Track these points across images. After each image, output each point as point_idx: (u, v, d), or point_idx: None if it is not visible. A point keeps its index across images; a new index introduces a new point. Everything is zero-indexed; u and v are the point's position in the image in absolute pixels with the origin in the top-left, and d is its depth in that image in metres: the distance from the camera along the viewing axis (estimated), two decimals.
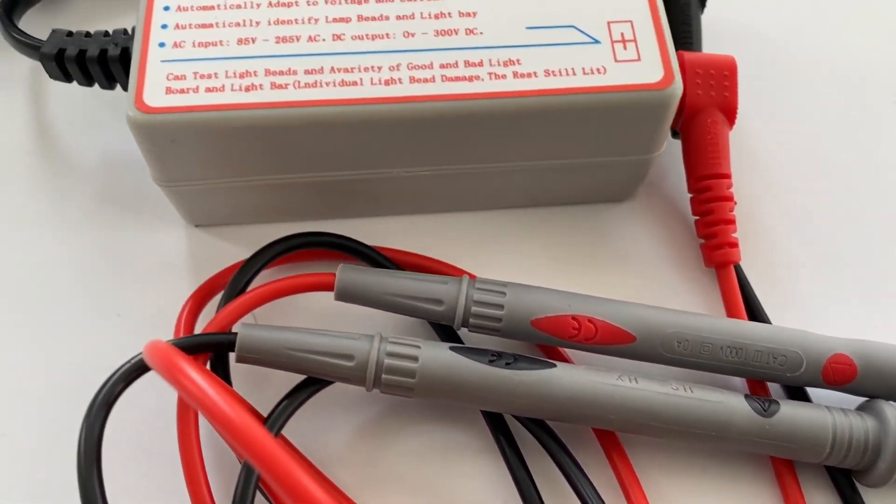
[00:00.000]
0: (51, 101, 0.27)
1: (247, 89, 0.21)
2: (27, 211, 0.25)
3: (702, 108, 0.23)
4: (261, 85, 0.21)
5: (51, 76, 0.25)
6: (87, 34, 0.24)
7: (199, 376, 0.15)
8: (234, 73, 0.21)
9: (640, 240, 0.25)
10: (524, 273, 0.24)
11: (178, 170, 0.22)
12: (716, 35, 0.27)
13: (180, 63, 0.21)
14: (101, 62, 0.24)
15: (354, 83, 0.21)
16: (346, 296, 0.22)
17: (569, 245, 0.25)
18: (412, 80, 0.21)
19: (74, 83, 0.25)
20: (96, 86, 0.25)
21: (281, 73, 0.21)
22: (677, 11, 0.25)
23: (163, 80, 0.21)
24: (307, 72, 0.21)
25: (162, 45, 0.21)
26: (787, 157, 0.26)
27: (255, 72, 0.21)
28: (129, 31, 0.24)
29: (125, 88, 0.25)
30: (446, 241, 0.25)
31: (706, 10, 0.26)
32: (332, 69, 0.21)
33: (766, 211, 0.25)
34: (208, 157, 0.22)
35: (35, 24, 0.28)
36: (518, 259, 0.25)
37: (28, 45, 0.25)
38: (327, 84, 0.21)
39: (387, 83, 0.21)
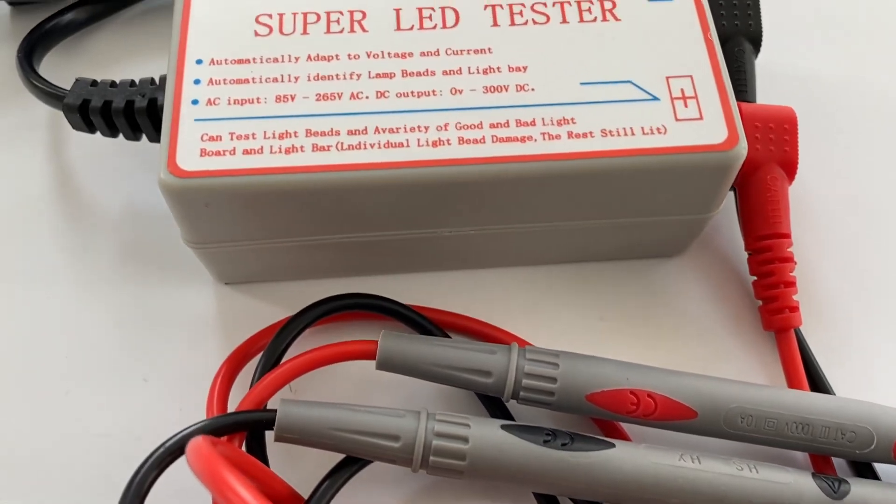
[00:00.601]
0: (71, 147, 0.26)
1: (287, 151, 0.19)
2: (48, 266, 0.24)
3: (761, 164, 0.22)
4: (301, 147, 0.20)
5: (74, 127, 0.23)
6: (113, 84, 0.23)
7: (245, 492, 0.14)
8: (274, 134, 0.20)
9: (692, 298, 0.24)
10: (572, 334, 0.23)
11: (210, 232, 0.21)
12: (771, 80, 0.26)
13: (215, 122, 0.20)
14: (128, 114, 0.23)
15: (400, 144, 0.20)
16: (388, 365, 0.20)
17: (618, 303, 0.24)
18: (461, 140, 0.20)
19: (98, 133, 0.24)
20: (120, 136, 0.24)
21: (323, 133, 0.20)
22: (731, 58, 0.24)
23: (197, 140, 0.20)
24: (350, 132, 0.20)
25: (195, 102, 0.20)
26: (849, 212, 0.25)
27: (295, 132, 0.20)
28: (157, 81, 0.23)
29: (151, 140, 0.23)
30: (490, 298, 0.24)
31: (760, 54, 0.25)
32: (377, 129, 0.20)
33: (827, 270, 0.24)
34: (244, 220, 0.20)
35: (56, 66, 0.27)
36: (565, 318, 0.23)
37: (50, 95, 0.24)
38: (372, 145, 0.20)
39: (434, 144, 0.20)
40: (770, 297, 0.22)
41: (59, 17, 0.27)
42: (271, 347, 0.21)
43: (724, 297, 0.24)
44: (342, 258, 0.23)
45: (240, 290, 0.24)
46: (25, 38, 0.26)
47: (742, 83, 0.24)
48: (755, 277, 0.23)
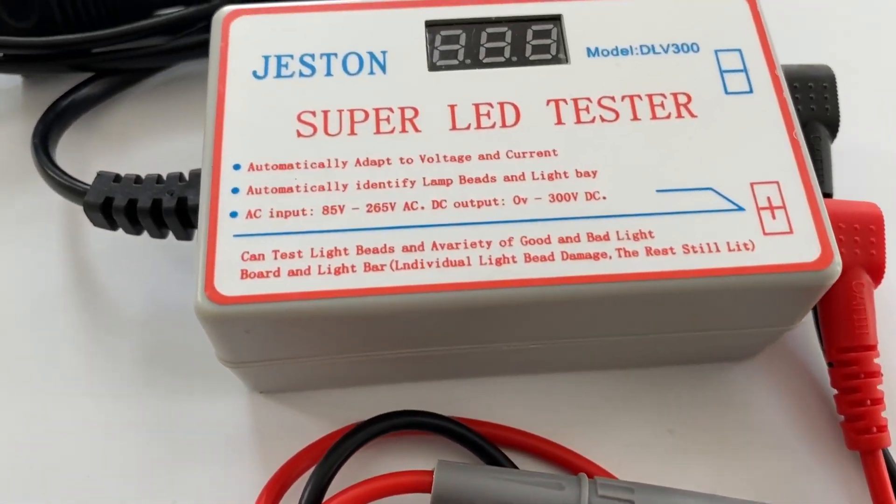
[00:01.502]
0: (90, 236, 0.24)
1: (336, 272, 0.18)
2: (65, 373, 0.22)
3: (846, 269, 0.20)
4: (352, 266, 0.18)
5: (94, 224, 0.22)
6: (138, 179, 0.21)
7: None
8: (321, 251, 0.18)
9: (766, 408, 0.22)
10: (640, 448, 0.21)
11: (249, 353, 0.19)
12: (842, 159, 0.24)
13: (257, 238, 0.18)
14: (154, 214, 0.21)
15: (461, 262, 0.18)
16: (444, 501, 0.19)
17: (687, 413, 0.22)
18: (527, 257, 0.18)
19: (119, 231, 0.22)
20: (145, 234, 0.22)
21: (375, 250, 0.18)
22: (807, 145, 0.22)
23: (237, 260, 0.18)
24: (405, 248, 0.18)
25: (234, 214, 0.18)
26: None
27: (345, 249, 0.18)
28: (186, 177, 0.21)
29: (179, 238, 0.22)
30: (550, 407, 0.22)
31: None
32: (434, 245, 0.18)
33: None
34: (287, 343, 0.19)
35: (73, 145, 0.25)
36: (632, 431, 0.22)
37: (70, 189, 0.22)
38: (429, 264, 0.18)
39: (498, 262, 0.18)
40: (855, 415, 0.21)
41: (73, 93, 0.26)
42: (317, 475, 0.19)
43: (801, 408, 0.22)
44: (390, 371, 0.21)
45: (276, 400, 0.22)
46: (40, 121, 0.24)
47: (819, 173, 0.22)
48: (837, 391, 0.21)
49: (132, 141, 0.26)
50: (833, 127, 0.23)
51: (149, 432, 0.22)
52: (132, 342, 0.23)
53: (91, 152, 0.26)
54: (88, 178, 0.24)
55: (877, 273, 0.21)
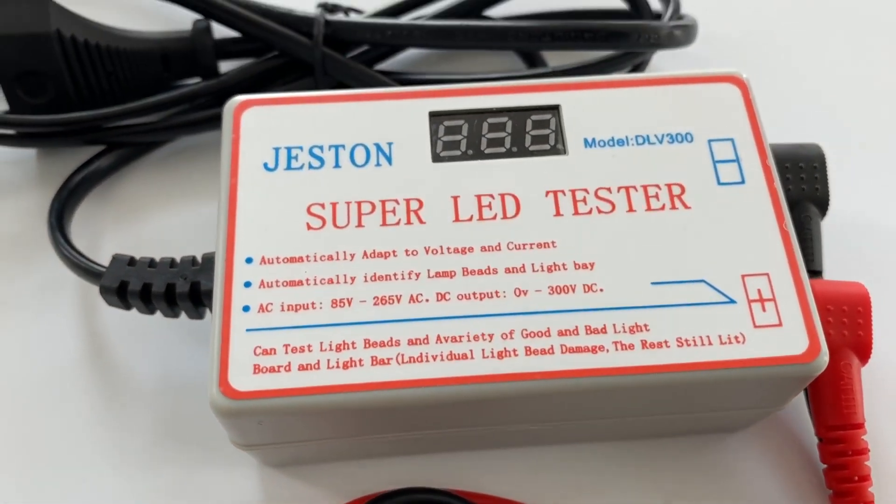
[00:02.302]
0: (103, 311, 0.25)
1: (345, 366, 0.18)
2: (78, 446, 0.23)
3: (834, 350, 0.21)
4: (360, 360, 0.18)
5: (109, 304, 0.22)
6: (152, 263, 0.22)
7: None
8: (330, 345, 0.19)
9: (759, 480, 0.23)
10: None
11: (260, 439, 0.20)
12: (832, 232, 0.25)
13: (269, 333, 0.19)
14: (168, 298, 0.21)
15: (464, 356, 0.19)
16: None
17: (682, 485, 0.22)
18: (528, 351, 0.19)
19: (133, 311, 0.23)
20: (158, 314, 0.23)
21: (382, 344, 0.19)
22: (797, 225, 0.23)
23: (250, 355, 0.18)
24: (411, 342, 0.19)
25: (246, 309, 0.19)
26: None
27: (353, 343, 0.19)
28: (198, 261, 0.22)
29: (191, 317, 0.22)
30: (550, 478, 0.23)
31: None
32: (439, 338, 0.19)
33: (890, 431, 0.23)
34: (297, 431, 0.19)
35: (87, 218, 0.26)
36: (630, 501, 0.22)
37: (86, 271, 0.23)
38: (434, 357, 0.19)
39: (500, 356, 0.19)
40: (843, 490, 0.21)
41: (85, 168, 0.26)
42: None
43: (793, 480, 0.23)
44: (396, 447, 0.22)
45: (286, 473, 0.23)
46: (55, 198, 0.25)
47: (809, 252, 0.23)
48: (826, 466, 0.22)
49: (143, 211, 0.27)
50: (823, 205, 0.24)
51: (161, 501, 0.22)
52: (145, 415, 0.23)
53: (104, 223, 0.26)
54: (102, 250, 0.25)
55: (864, 353, 0.22)
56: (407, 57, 0.29)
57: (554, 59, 0.29)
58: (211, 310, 0.20)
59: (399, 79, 0.27)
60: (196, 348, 0.24)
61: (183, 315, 0.22)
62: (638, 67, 0.27)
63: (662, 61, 0.30)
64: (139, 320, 0.24)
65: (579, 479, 0.23)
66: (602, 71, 0.26)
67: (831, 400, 0.21)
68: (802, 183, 0.23)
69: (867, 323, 0.22)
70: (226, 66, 0.28)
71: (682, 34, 0.26)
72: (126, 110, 0.26)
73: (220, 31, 0.27)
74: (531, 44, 0.26)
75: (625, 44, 0.25)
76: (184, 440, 0.23)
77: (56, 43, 0.25)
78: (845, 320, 0.22)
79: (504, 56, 0.30)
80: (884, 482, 0.22)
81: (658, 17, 0.27)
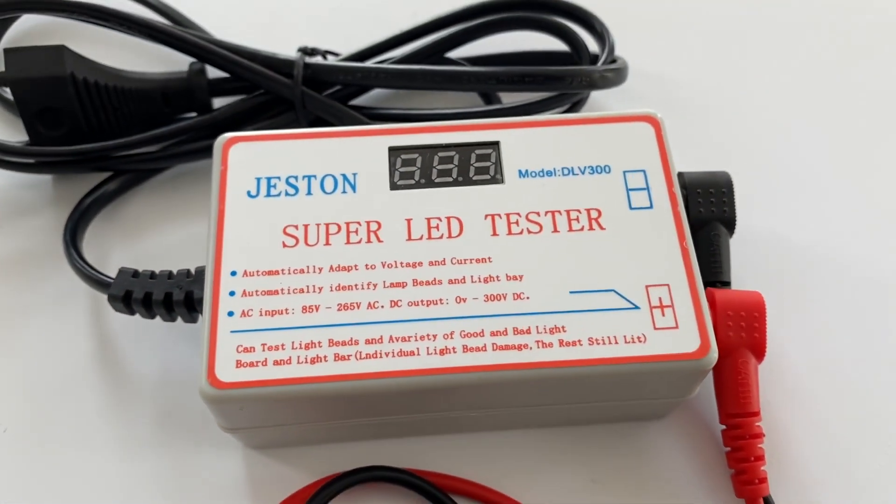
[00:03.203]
0: (110, 317, 0.29)
1: (312, 361, 0.22)
2: (90, 432, 0.27)
3: (732, 349, 0.25)
4: (325, 357, 0.22)
5: (115, 310, 0.26)
6: (153, 275, 0.26)
7: None
8: (300, 344, 0.22)
9: (674, 462, 0.26)
10: (568, 496, 0.26)
11: (243, 422, 0.24)
12: (744, 246, 0.28)
13: (249, 334, 0.22)
14: (166, 304, 0.25)
15: (412, 353, 0.22)
16: None
17: (607, 465, 0.26)
18: (465, 348, 0.22)
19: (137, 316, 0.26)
20: (158, 319, 0.26)
21: (343, 343, 0.22)
22: (707, 242, 0.27)
23: (233, 352, 0.22)
24: (368, 341, 0.22)
25: (231, 314, 0.23)
26: (819, 377, 0.28)
27: (319, 342, 0.22)
28: (192, 273, 0.25)
29: (186, 321, 0.26)
30: (492, 459, 0.26)
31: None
32: (391, 338, 0.22)
33: (796, 437, 0.27)
34: (273, 415, 0.23)
35: (97, 236, 0.30)
36: (559, 480, 0.26)
37: (96, 282, 0.26)
38: (386, 354, 0.22)
39: (441, 353, 0.22)
40: (741, 470, 0.25)
41: (94, 192, 0.30)
42: None
43: (702, 461, 0.26)
44: (359, 432, 0.25)
45: (267, 455, 0.26)
46: (69, 219, 0.29)
47: (717, 265, 0.27)
48: (728, 449, 0.25)
49: (145, 230, 0.31)
50: (730, 225, 0.27)
51: (159, 482, 0.26)
52: (146, 406, 0.27)
53: (111, 240, 0.30)
54: (110, 263, 0.29)
55: (759, 352, 0.25)
56: (377, 94, 0.33)
57: (507, 95, 0.32)
58: (202, 314, 0.24)
59: (369, 113, 0.31)
60: (190, 348, 0.28)
61: (179, 319, 0.26)
62: (577, 104, 0.31)
63: (602, 96, 0.34)
64: (141, 324, 0.28)
65: (518, 460, 0.26)
66: (545, 107, 0.30)
67: (731, 392, 0.25)
68: (712, 205, 0.27)
69: (762, 326, 0.25)
70: (218, 102, 0.32)
71: (613, 76, 0.30)
72: (130, 142, 0.30)
73: (213, 72, 0.31)
74: (480, 86, 0.30)
75: (561, 86, 0.29)
76: (179, 426, 0.27)
77: (70, 84, 0.29)
78: (743, 324, 0.25)
79: (463, 93, 0.34)
80: (777, 462, 0.26)
81: (595, 58, 0.31)
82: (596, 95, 0.33)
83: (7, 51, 0.29)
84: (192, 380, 0.27)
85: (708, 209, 0.27)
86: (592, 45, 0.32)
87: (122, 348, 0.28)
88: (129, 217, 0.31)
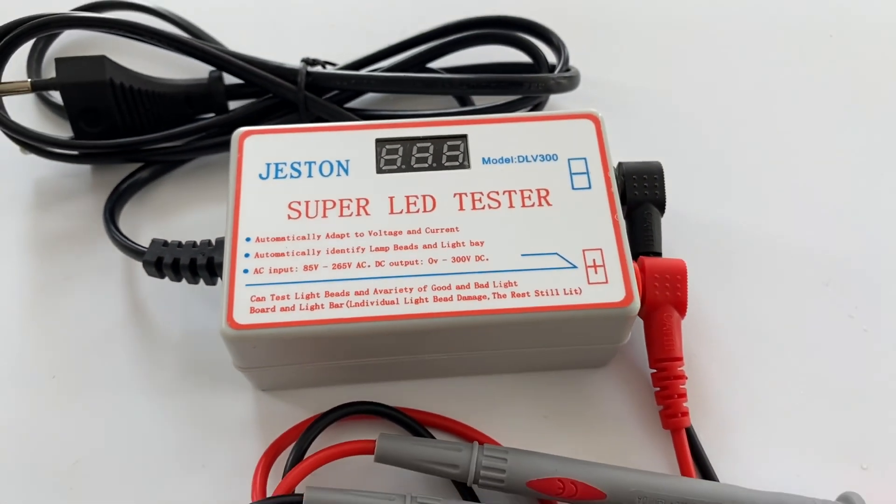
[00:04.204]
0: (141, 283, 0.34)
1: (311, 308, 0.27)
2: (125, 379, 0.32)
3: (659, 305, 0.30)
4: (322, 305, 0.27)
5: (148, 274, 0.31)
6: (179, 244, 0.31)
7: None
8: (302, 295, 0.28)
9: (614, 401, 0.31)
10: (521, 428, 0.31)
11: (255, 361, 0.29)
12: (672, 227, 0.34)
13: (260, 287, 0.28)
14: (192, 269, 0.30)
15: (392, 302, 0.27)
16: (383, 460, 0.28)
17: (556, 405, 0.31)
18: (435, 299, 0.28)
19: (166, 279, 0.32)
20: (184, 281, 0.31)
21: (337, 294, 0.28)
22: (641, 218, 0.32)
23: (247, 301, 0.27)
24: (357, 293, 0.28)
25: (245, 271, 0.28)
26: (735, 331, 0.33)
27: (317, 294, 0.28)
28: (213, 242, 0.31)
29: (208, 284, 0.31)
30: (461, 400, 0.31)
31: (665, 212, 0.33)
32: (376, 291, 0.28)
33: (714, 380, 0.32)
34: (280, 354, 0.28)
35: (132, 217, 0.35)
36: (516, 416, 0.31)
37: (132, 251, 0.32)
38: (371, 303, 0.27)
39: (416, 302, 0.27)
40: (667, 405, 0.30)
41: (128, 179, 0.36)
42: (298, 444, 0.29)
43: (636, 401, 0.31)
44: (353, 374, 0.31)
45: (274, 396, 0.32)
46: (108, 201, 0.34)
47: (649, 238, 0.32)
48: (657, 388, 0.31)
49: (171, 212, 0.36)
50: (661, 206, 0.32)
51: (184, 418, 0.31)
52: (173, 356, 0.32)
53: (143, 221, 0.36)
54: (142, 238, 0.34)
55: (681, 308, 0.30)
56: (369, 98, 0.39)
57: (478, 99, 0.38)
58: (221, 278, 0.29)
59: (362, 114, 0.37)
60: (208, 309, 0.33)
61: (201, 282, 0.31)
62: (538, 105, 0.37)
63: (559, 98, 0.39)
64: (167, 290, 0.33)
65: (481, 400, 0.32)
66: (511, 109, 0.36)
67: (658, 341, 0.30)
68: (646, 189, 0.32)
69: (683, 287, 0.30)
70: (233, 105, 0.38)
71: (566, 82, 0.35)
72: (159, 137, 0.35)
73: (229, 79, 0.37)
74: (454, 90, 0.35)
75: (521, 90, 0.35)
76: (200, 375, 0.32)
77: (109, 88, 0.35)
78: (668, 285, 0.30)
79: (442, 96, 0.39)
80: (699, 400, 0.31)
81: (553, 68, 0.36)
82: (554, 97, 0.38)
83: (58, 60, 0.34)
84: (211, 335, 0.32)
85: (642, 192, 0.32)
86: (552, 57, 0.37)
87: (151, 309, 0.33)
88: (158, 201, 0.36)
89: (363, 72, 0.37)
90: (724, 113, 0.40)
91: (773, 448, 0.31)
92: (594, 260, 0.28)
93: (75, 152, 0.35)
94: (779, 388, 0.32)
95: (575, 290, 0.28)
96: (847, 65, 0.42)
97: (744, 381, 0.32)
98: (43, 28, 0.34)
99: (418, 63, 0.38)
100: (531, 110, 0.37)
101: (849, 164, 0.38)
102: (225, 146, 0.35)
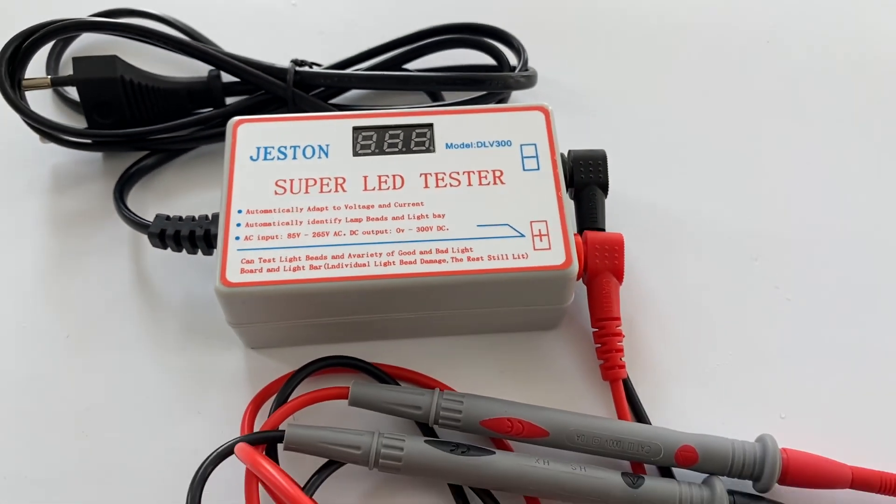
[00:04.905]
0: (146, 255, 0.38)
1: (293, 270, 0.32)
2: (131, 339, 0.36)
3: (599, 272, 0.34)
4: (303, 267, 0.32)
5: (153, 245, 0.36)
6: (180, 218, 0.35)
7: (269, 467, 0.26)
8: (286, 259, 0.32)
9: (562, 359, 0.36)
10: (480, 382, 0.35)
11: (244, 317, 0.33)
12: (619, 207, 0.38)
13: (249, 251, 0.32)
14: (191, 240, 0.35)
15: (364, 265, 0.32)
16: (356, 403, 0.32)
17: (512, 362, 0.36)
18: (401, 262, 0.32)
19: (168, 250, 0.36)
20: (184, 252, 0.36)
21: (316, 258, 0.32)
22: (586, 198, 0.36)
23: (238, 263, 0.32)
24: (333, 257, 0.32)
25: (237, 238, 0.32)
26: (669, 296, 0.37)
27: (299, 257, 0.32)
28: (210, 217, 0.35)
29: (205, 254, 0.36)
30: (426, 358, 0.36)
31: (610, 194, 0.37)
32: (350, 255, 0.32)
33: (651, 340, 0.36)
34: (267, 310, 0.33)
35: (138, 198, 0.40)
36: (475, 372, 0.35)
37: (139, 224, 0.36)
38: (346, 265, 0.32)
39: (385, 265, 0.32)
40: (605, 359, 0.34)
41: (135, 165, 0.40)
42: (281, 391, 0.33)
43: (582, 358, 0.36)
44: (331, 333, 0.35)
45: (262, 353, 0.36)
46: (117, 183, 0.39)
47: (594, 215, 0.36)
48: (598, 345, 0.35)
49: (173, 195, 0.40)
50: (605, 188, 0.37)
51: (182, 372, 0.35)
52: (173, 318, 0.37)
53: (148, 202, 0.40)
54: (147, 217, 0.38)
55: (618, 275, 0.35)
56: (351, 94, 0.43)
57: (449, 95, 0.42)
58: (216, 248, 0.33)
59: (344, 109, 0.41)
60: (205, 279, 0.37)
61: (199, 252, 0.36)
62: (501, 101, 0.41)
63: (519, 94, 0.44)
64: (169, 261, 0.38)
65: (445, 357, 0.36)
66: (475, 104, 0.40)
67: (598, 303, 0.35)
68: (591, 173, 0.37)
69: (621, 257, 0.35)
70: (230, 100, 0.42)
71: (525, 80, 0.40)
72: (163, 128, 0.40)
73: (226, 77, 0.41)
74: (425, 86, 0.40)
75: (484, 87, 0.39)
76: (198, 335, 0.36)
77: (119, 84, 0.39)
78: (607, 255, 0.35)
79: (416, 93, 0.43)
80: (636, 357, 0.36)
81: (514, 68, 0.41)
82: (516, 94, 0.43)
83: (75, 59, 0.39)
84: (207, 300, 0.36)
85: (588, 176, 0.37)
86: (514, 59, 0.42)
87: (154, 278, 0.38)
88: (162, 185, 0.41)
89: (345, 71, 0.41)
90: (665, 108, 0.45)
91: (702, 399, 0.35)
92: (539, 230, 0.33)
93: (89, 141, 0.40)
94: (709, 348, 0.36)
95: (522, 255, 0.32)
96: (780, 66, 0.46)
97: (677, 341, 0.36)
98: (62, 31, 0.39)
99: (396, 64, 0.42)
100: None
101: (774, 156, 0.43)
102: (222, 137, 0.39)
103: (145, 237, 0.36)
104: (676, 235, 0.39)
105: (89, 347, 0.36)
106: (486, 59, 0.43)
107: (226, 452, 0.29)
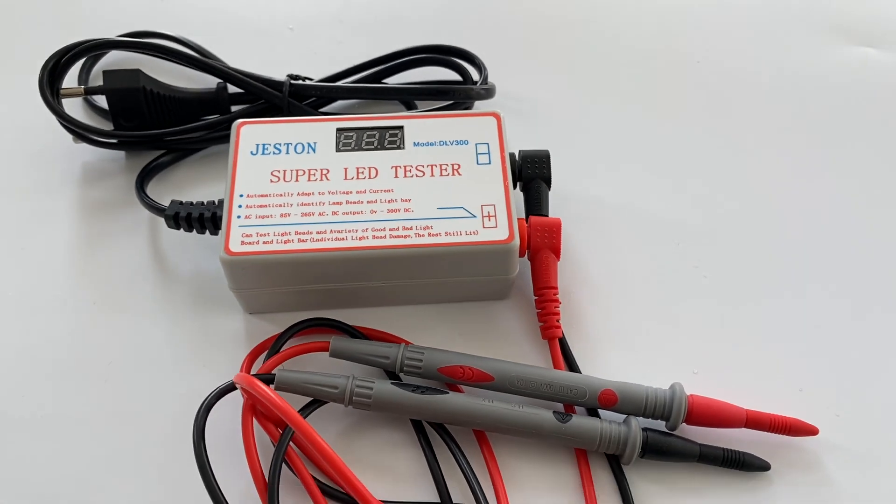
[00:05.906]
0: (162, 237, 0.45)
1: (285, 242, 0.38)
2: (148, 305, 0.43)
3: (540, 249, 0.41)
4: (292, 240, 0.38)
5: (168, 227, 0.42)
6: (192, 203, 0.42)
7: (265, 388, 0.33)
8: (278, 234, 0.39)
9: (510, 323, 0.42)
10: (441, 344, 0.41)
11: (245, 282, 0.40)
12: (562, 197, 0.45)
13: (249, 227, 0.39)
14: (200, 221, 0.42)
15: (343, 238, 0.39)
16: (336, 355, 0.39)
17: (467, 327, 0.42)
18: (374, 237, 0.39)
19: (181, 230, 0.43)
20: (194, 232, 0.42)
21: (303, 233, 0.39)
22: (533, 190, 0.43)
23: (240, 237, 0.38)
24: (318, 232, 0.39)
25: (239, 217, 0.39)
26: (603, 271, 0.44)
27: (289, 233, 0.39)
28: (217, 202, 0.42)
29: (212, 234, 0.42)
30: (395, 323, 0.42)
31: (553, 186, 0.44)
32: (331, 231, 0.39)
33: (586, 307, 0.43)
34: (263, 277, 0.39)
35: (157, 189, 0.47)
36: (438, 334, 0.42)
37: (157, 209, 0.43)
38: (328, 239, 0.39)
39: (360, 239, 0.39)
40: (544, 321, 0.41)
41: (154, 162, 0.47)
42: (273, 345, 0.40)
43: (527, 323, 0.42)
44: (317, 299, 0.42)
45: (259, 318, 0.43)
46: (138, 176, 0.46)
47: (539, 204, 0.43)
48: (538, 310, 0.41)
49: (187, 188, 0.47)
50: (548, 181, 0.43)
51: (190, 333, 0.42)
52: (185, 288, 0.43)
53: (164, 194, 0.47)
54: (165, 204, 0.45)
55: (556, 252, 0.41)
56: (339, 104, 0.51)
57: (421, 105, 0.49)
58: (222, 228, 0.40)
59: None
60: (212, 254, 0.44)
61: (207, 233, 0.42)
62: (467, 109, 0.48)
63: (482, 104, 0.51)
64: (182, 242, 0.44)
65: (411, 322, 0.42)
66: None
67: (539, 274, 0.41)
68: (537, 169, 0.44)
69: (558, 237, 0.41)
70: (234, 108, 0.49)
71: (485, 93, 0.47)
72: (177, 130, 0.47)
73: (232, 88, 0.48)
74: (399, 96, 0.47)
75: (448, 98, 0.46)
76: (205, 303, 0.43)
77: (142, 94, 0.46)
78: (546, 235, 0.41)
79: (393, 103, 0.51)
80: (569, 318, 0.42)
81: (476, 83, 0.48)
82: (478, 104, 0.50)
83: (105, 72, 0.46)
84: (213, 274, 0.43)
85: (534, 171, 0.44)
86: (476, 74, 0.49)
87: (169, 255, 0.45)
88: (176, 179, 0.48)
89: (333, 83, 0.48)
90: (603, 116, 0.52)
91: (626, 357, 0.41)
92: (489, 212, 0.39)
93: (114, 141, 0.47)
94: (635, 316, 0.43)
95: (473, 232, 0.39)
96: (708, 82, 0.54)
97: (608, 310, 0.43)
98: (94, 49, 0.46)
99: (377, 79, 0.49)
100: None
101: (697, 156, 0.50)
102: (228, 139, 0.46)
103: (161, 221, 0.44)
104: (610, 222, 0.46)
105: (113, 312, 0.43)
106: (453, 75, 0.50)
107: (228, 388, 0.36)
